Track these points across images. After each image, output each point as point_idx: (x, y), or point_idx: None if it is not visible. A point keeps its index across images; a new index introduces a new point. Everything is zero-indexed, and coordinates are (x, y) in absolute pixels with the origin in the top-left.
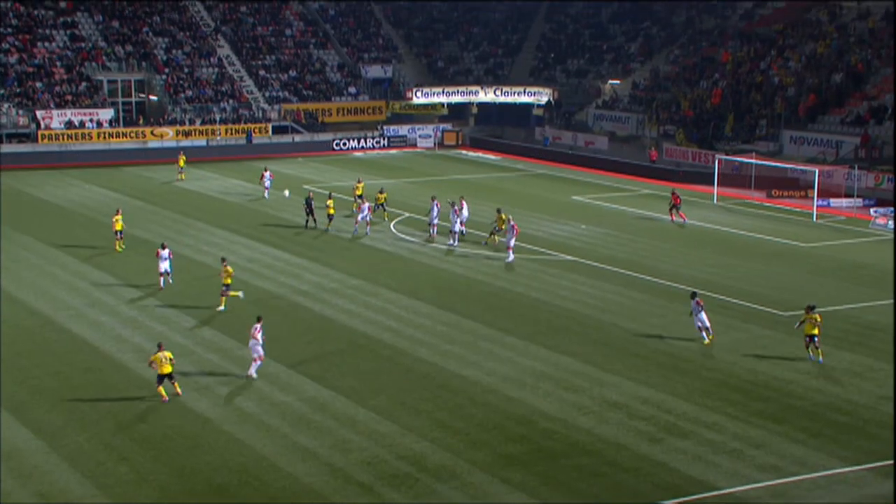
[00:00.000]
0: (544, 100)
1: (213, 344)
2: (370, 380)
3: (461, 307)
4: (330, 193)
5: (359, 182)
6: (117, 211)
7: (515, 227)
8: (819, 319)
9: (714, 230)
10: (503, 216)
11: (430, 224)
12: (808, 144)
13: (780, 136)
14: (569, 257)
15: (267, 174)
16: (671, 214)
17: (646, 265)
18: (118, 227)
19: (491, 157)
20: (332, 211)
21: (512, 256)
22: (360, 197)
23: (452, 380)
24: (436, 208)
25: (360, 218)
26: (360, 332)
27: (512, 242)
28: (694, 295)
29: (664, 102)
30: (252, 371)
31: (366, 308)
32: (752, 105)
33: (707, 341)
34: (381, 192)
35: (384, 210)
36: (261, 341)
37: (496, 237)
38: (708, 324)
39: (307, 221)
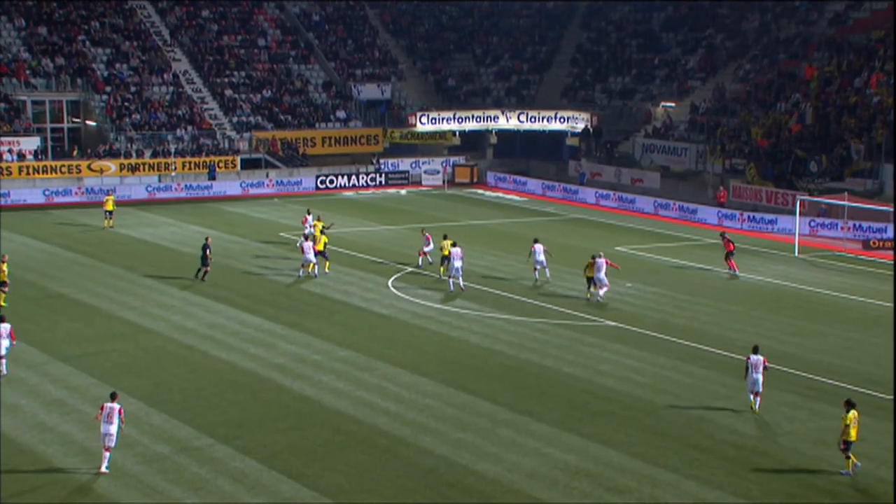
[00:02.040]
0: (580, 127)
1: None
2: (362, 477)
3: (476, 385)
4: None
5: (310, 216)
6: (2, 258)
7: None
8: (857, 417)
9: (796, 289)
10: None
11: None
12: None
13: (880, 170)
14: (611, 323)
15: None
16: (729, 263)
17: (709, 333)
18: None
19: (514, 197)
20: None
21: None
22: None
23: (465, 477)
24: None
25: (307, 259)
26: (350, 416)
27: (605, 282)
28: (756, 350)
29: (731, 130)
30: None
31: (357, 386)
32: (845, 132)
33: (756, 408)
34: (317, 220)
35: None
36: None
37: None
38: (761, 388)
39: (199, 272)
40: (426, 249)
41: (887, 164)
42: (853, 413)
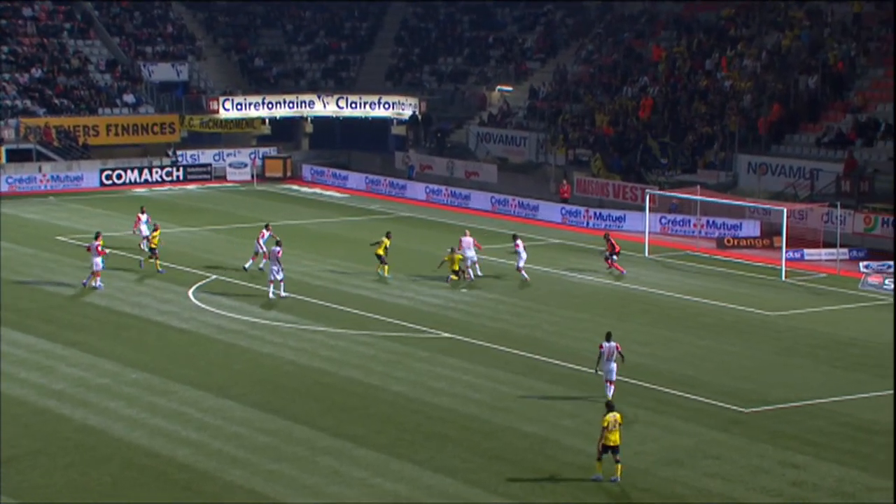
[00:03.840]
0: (407, 114)
1: None
2: None
3: (292, 408)
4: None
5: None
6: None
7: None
8: (619, 421)
9: (645, 293)
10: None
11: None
12: (773, 174)
13: (733, 162)
14: (445, 334)
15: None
16: (611, 264)
17: (553, 344)
18: None
19: (334, 193)
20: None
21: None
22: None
23: None
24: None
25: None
26: (144, 448)
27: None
28: (609, 337)
29: (574, 117)
30: None
31: (152, 413)
32: (695, 120)
33: (609, 396)
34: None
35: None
36: None
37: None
38: (615, 376)
39: None
40: (261, 249)
41: (742, 155)
42: (612, 416)
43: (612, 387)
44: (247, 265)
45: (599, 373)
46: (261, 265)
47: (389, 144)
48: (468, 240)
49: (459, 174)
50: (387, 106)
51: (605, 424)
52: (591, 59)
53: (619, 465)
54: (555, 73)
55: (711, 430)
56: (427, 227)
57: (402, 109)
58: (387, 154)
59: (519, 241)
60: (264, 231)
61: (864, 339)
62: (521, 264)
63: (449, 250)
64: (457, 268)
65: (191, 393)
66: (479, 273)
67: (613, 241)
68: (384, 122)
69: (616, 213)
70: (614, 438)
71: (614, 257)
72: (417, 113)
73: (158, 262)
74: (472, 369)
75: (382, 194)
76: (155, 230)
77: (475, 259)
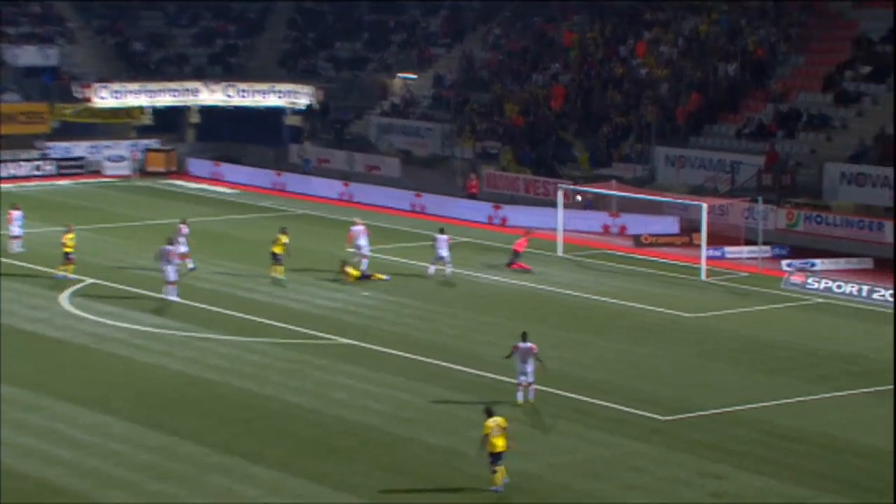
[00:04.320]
0: (303, 103)
1: None
2: None
3: (178, 422)
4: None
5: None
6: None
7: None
8: (503, 425)
9: (558, 295)
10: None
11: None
12: (692, 167)
13: (650, 155)
14: (344, 340)
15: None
16: (515, 265)
17: (458, 349)
18: None
19: (223, 189)
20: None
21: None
22: None
23: None
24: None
25: None
26: (10, 469)
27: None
28: (525, 336)
29: (482, 106)
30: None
31: (19, 431)
32: (610, 110)
33: (530, 399)
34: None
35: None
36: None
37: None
38: (532, 377)
39: None
40: (182, 250)
41: (659, 147)
42: (493, 421)
43: (532, 391)
44: (191, 266)
45: (507, 360)
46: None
47: (283, 136)
48: (358, 228)
49: (360, 168)
50: (280, 95)
51: (488, 431)
52: (499, 45)
53: (500, 472)
54: (461, 60)
55: (630, 439)
56: (325, 225)
57: (297, 98)
58: (281, 147)
59: (441, 238)
60: (182, 227)
61: (786, 341)
62: (434, 262)
63: (341, 264)
64: (357, 274)
65: (64, 408)
66: (366, 271)
67: (523, 242)
68: (277, 113)
69: (527, 209)
70: (500, 444)
71: (517, 257)
72: (314, 102)
73: (69, 267)
74: (373, 377)
75: (276, 190)
76: (69, 232)
77: (367, 251)
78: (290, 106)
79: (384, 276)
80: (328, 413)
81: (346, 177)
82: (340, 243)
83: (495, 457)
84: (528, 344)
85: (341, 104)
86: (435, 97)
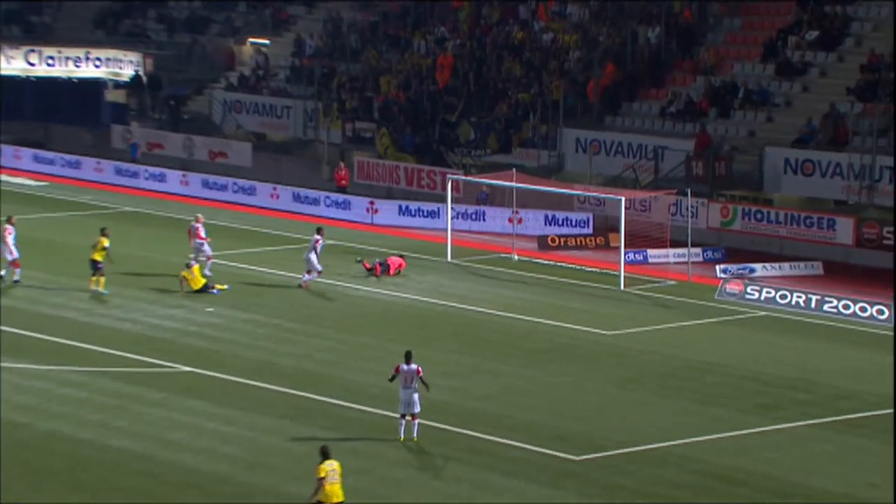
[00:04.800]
0: (128, 74)
1: None
2: None
3: None
4: None
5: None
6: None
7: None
8: (339, 472)
9: (450, 310)
10: None
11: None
12: (608, 153)
13: (558, 139)
14: (185, 368)
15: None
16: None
17: (329, 378)
18: None
19: (26, 181)
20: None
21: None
22: None
23: None
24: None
25: None
26: None
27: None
28: (409, 357)
29: (353, 80)
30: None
31: None
32: (508, 85)
33: (415, 437)
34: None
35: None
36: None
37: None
38: (418, 408)
39: None
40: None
41: (568, 130)
42: (329, 464)
43: (416, 423)
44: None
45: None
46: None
47: (104, 115)
48: (199, 225)
49: (201, 155)
50: (98, 63)
51: (323, 475)
52: (372, 4)
53: None
54: (326, 23)
55: (537, 485)
56: (158, 224)
57: (121, 68)
58: (101, 128)
59: (320, 238)
60: (8, 226)
61: (722, 364)
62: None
63: (186, 265)
64: (202, 281)
65: None
66: (209, 273)
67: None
68: (95, 86)
69: (410, 204)
70: (336, 493)
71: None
72: (141, 73)
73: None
74: (221, 414)
75: (95, 182)
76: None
77: (210, 252)
78: (112, 77)
79: (225, 286)
80: (163, 459)
81: (183, 166)
82: (178, 246)
83: None
84: (413, 366)
85: (177, 76)
86: (294, 68)
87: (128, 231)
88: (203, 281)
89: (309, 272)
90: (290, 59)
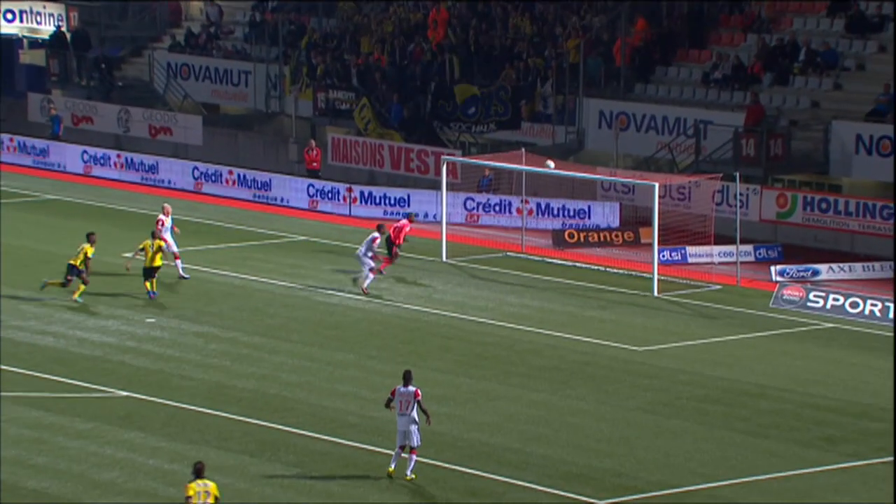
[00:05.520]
0: (48, 31)
1: None
2: None
3: None
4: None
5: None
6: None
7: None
8: (216, 494)
9: (444, 319)
10: None
11: None
12: (638, 129)
13: (576, 111)
14: (122, 392)
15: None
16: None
17: (302, 404)
18: None
19: None
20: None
21: None
22: None
23: None
24: None
25: None
26: None
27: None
28: (408, 378)
29: (327, 38)
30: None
31: None
32: (516, 44)
33: (409, 475)
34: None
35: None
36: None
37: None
38: (417, 441)
39: None
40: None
41: (590, 100)
42: (200, 484)
43: (414, 459)
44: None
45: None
46: None
47: (18, 81)
48: (163, 218)
49: (140, 131)
50: (11, 17)
51: (191, 494)
52: None
53: None
54: None
55: None
56: (85, 215)
57: (38, 23)
58: (14, 97)
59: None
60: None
61: (777, 388)
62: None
63: (152, 234)
64: (159, 262)
65: None
66: (185, 275)
67: (396, 239)
68: (7, 44)
69: (396, 192)
70: None
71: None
72: (65, 29)
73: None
74: (165, 449)
75: (9, 164)
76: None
77: (176, 249)
78: (28, 35)
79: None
80: None
81: (118, 143)
82: (112, 244)
83: None
84: (411, 388)
85: (109, 33)
86: (254, 23)
87: (51, 224)
88: (160, 262)
89: (372, 271)
90: (250, 13)
